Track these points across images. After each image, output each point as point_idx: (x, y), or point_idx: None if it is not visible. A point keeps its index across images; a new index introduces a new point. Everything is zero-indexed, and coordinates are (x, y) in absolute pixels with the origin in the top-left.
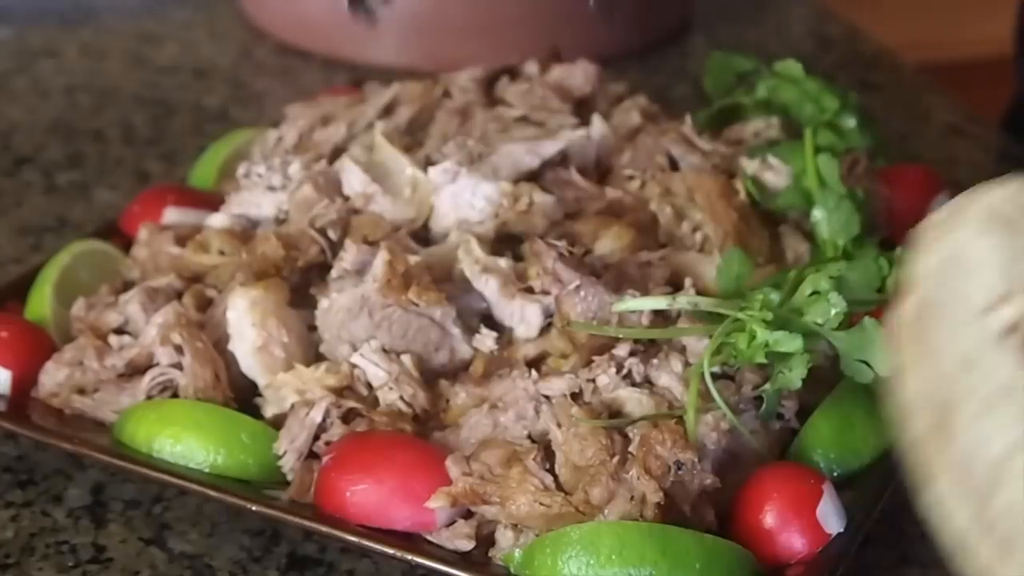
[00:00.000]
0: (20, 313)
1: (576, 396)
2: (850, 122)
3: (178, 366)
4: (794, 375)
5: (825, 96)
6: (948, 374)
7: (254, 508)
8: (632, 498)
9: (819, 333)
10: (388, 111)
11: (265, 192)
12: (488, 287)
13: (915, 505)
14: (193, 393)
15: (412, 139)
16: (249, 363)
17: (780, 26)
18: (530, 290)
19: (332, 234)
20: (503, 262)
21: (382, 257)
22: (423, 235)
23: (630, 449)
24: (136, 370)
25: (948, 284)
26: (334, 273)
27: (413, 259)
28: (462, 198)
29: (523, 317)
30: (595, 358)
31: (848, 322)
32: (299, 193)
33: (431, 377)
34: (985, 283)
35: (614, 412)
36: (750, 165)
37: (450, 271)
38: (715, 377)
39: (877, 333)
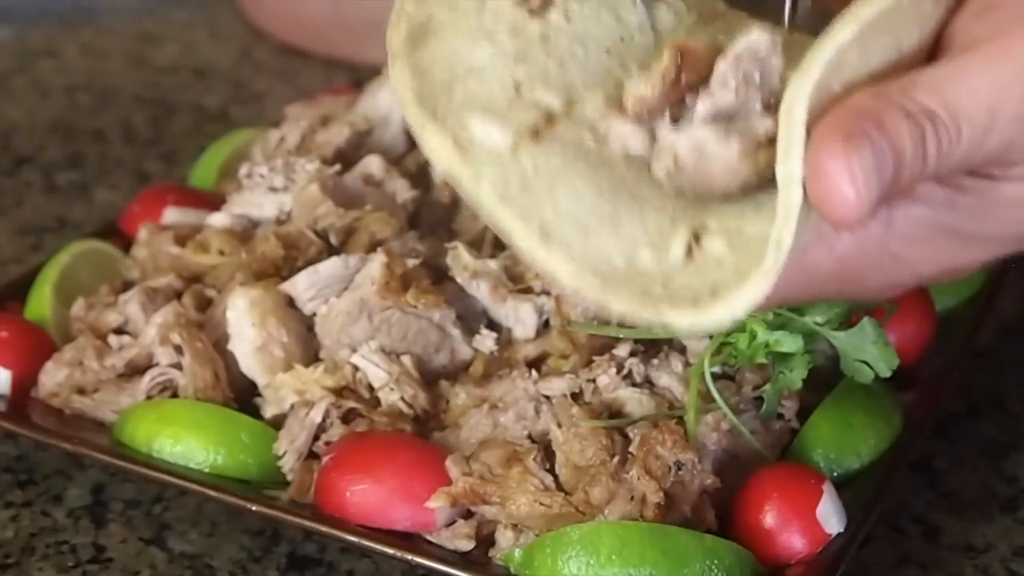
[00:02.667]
0: (20, 313)
1: (576, 396)
2: None
3: (178, 366)
4: (795, 375)
5: None
6: (438, 11)
7: (254, 508)
8: (632, 498)
9: (819, 333)
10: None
11: (267, 193)
12: (480, 291)
13: (915, 505)
14: (193, 393)
15: (412, 141)
16: (249, 363)
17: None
18: (527, 290)
19: (333, 239)
20: (493, 264)
21: (379, 260)
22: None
23: (630, 449)
24: (136, 370)
25: None
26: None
27: (412, 262)
28: None
29: (518, 317)
30: (595, 358)
31: (848, 322)
32: (305, 192)
33: (431, 378)
34: None
35: (614, 412)
36: None
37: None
38: (715, 377)
39: (877, 333)
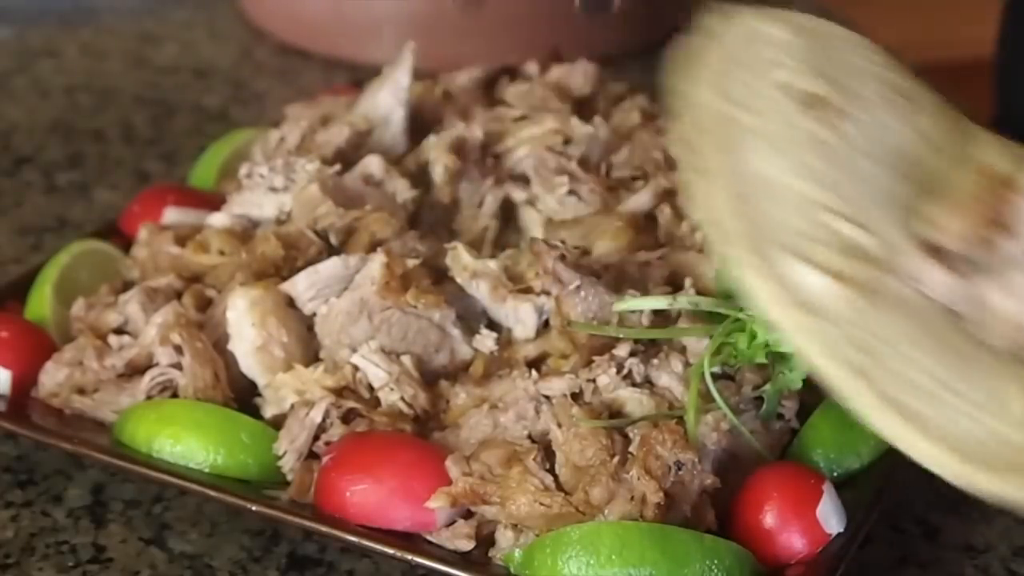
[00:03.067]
0: (20, 313)
1: (576, 396)
2: None
3: (178, 366)
4: (795, 375)
5: None
6: (730, 109)
7: (254, 508)
8: (632, 498)
9: None
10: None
11: (267, 193)
12: (480, 291)
13: (915, 505)
14: (193, 393)
15: (413, 141)
16: (249, 363)
17: None
18: (527, 290)
19: (333, 239)
20: (493, 264)
21: (379, 260)
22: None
23: (630, 449)
24: (136, 370)
25: (748, 48)
26: None
27: (412, 262)
28: None
29: (518, 317)
30: (595, 358)
31: None
32: (305, 192)
33: (431, 378)
34: (785, 56)
35: (614, 412)
36: None
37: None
38: (715, 377)
39: None
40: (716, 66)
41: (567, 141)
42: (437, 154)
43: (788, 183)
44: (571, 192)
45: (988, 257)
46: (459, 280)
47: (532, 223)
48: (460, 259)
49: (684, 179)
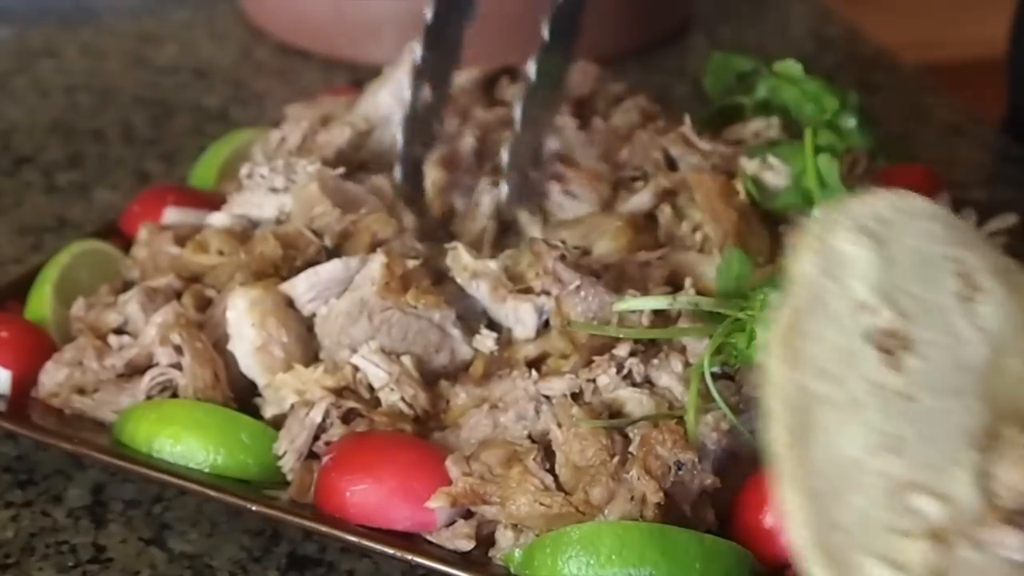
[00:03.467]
0: (20, 313)
1: (576, 396)
2: (850, 122)
3: (177, 366)
4: None
5: (825, 96)
6: (810, 382)
7: (254, 508)
8: (632, 498)
9: None
10: None
11: (267, 193)
12: (480, 291)
13: None
14: (193, 393)
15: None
16: (248, 363)
17: (780, 26)
18: (527, 290)
19: (328, 241)
20: (493, 264)
21: (379, 260)
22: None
23: (630, 449)
24: (136, 370)
25: (822, 291)
26: None
27: (412, 263)
28: None
29: (518, 317)
30: (595, 358)
31: None
32: (305, 190)
33: (431, 378)
34: (858, 289)
35: (614, 412)
36: (750, 165)
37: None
38: (715, 377)
39: None
40: (792, 326)
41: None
42: (427, 169)
43: (859, 459)
44: (566, 192)
45: None
46: (459, 280)
47: (529, 223)
48: (460, 259)
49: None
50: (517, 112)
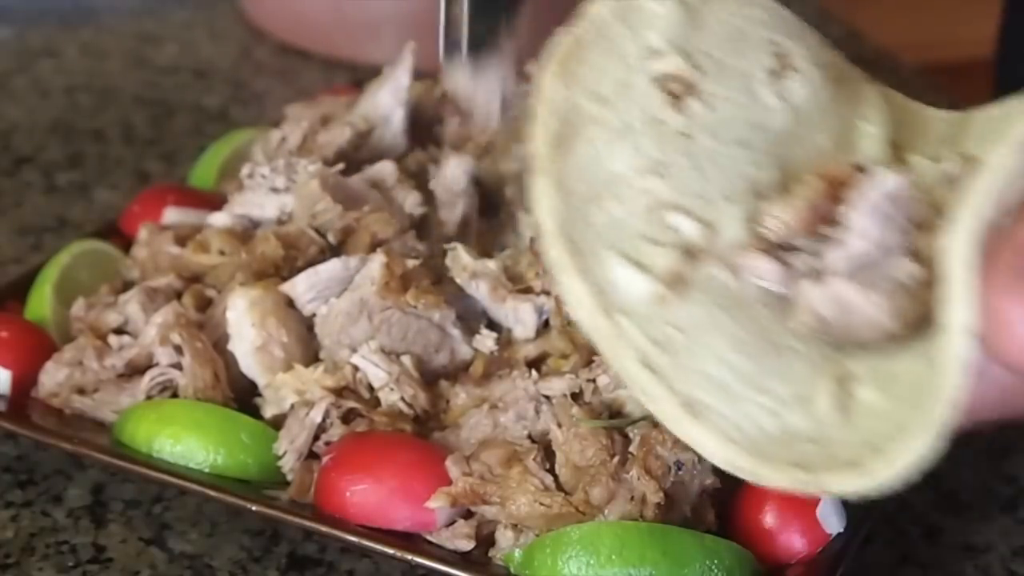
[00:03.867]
0: (20, 313)
1: (576, 396)
2: None
3: (178, 366)
4: None
5: None
6: (582, 101)
7: (254, 508)
8: (632, 498)
9: None
10: None
11: (268, 193)
12: (479, 291)
13: (915, 505)
14: (193, 393)
15: (413, 141)
16: (249, 363)
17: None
18: (527, 290)
19: (331, 237)
20: (492, 264)
21: (379, 260)
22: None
23: (630, 449)
24: (136, 370)
25: (611, 29)
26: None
27: (412, 263)
28: None
29: (518, 317)
30: (595, 358)
31: None
32: (305, 188)
33: (431, 378)
34: (652, 39)
35: (614, 412)
36: None
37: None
38: None
39: None
40: (572, 53)
41: None
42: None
43: (625, 176)
44: None
45: (815, 252)
46: (459, 280)
47: (525, 223)
48: (460, 259)
49: (530, 179)
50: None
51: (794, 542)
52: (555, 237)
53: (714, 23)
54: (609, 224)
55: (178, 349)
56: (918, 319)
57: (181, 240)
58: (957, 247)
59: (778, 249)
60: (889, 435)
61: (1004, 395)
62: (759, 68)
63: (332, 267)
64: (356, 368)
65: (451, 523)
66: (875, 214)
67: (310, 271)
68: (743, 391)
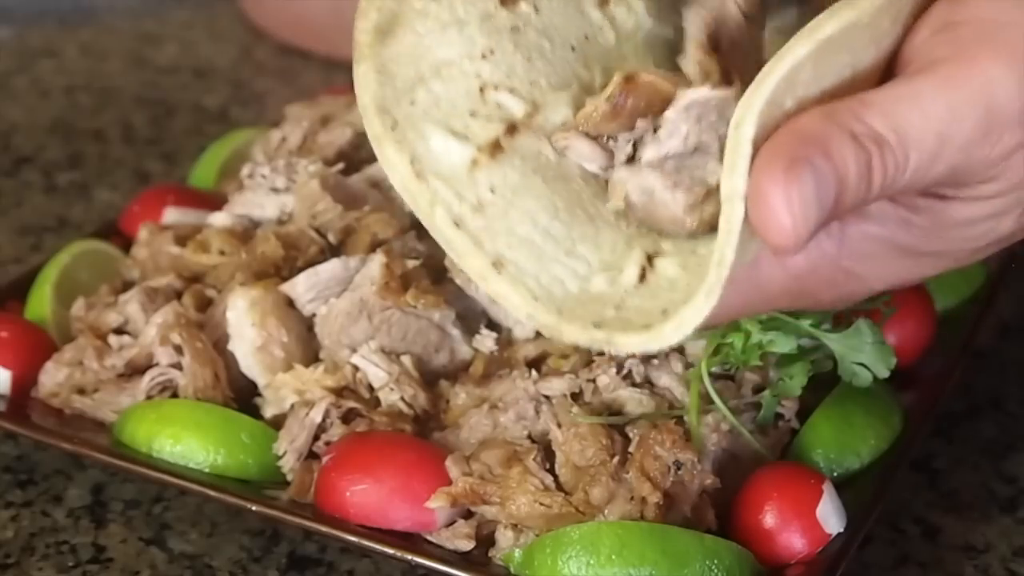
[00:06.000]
0: (20, 313)
1: (576, 396)
2: None
3: (178, 366)
4: (794, 383)
5: None
6: None
7: (254, 508)
8: (632, 498)
9: (815, 335)
10: None
11: (268, 193)
12: (479, 292)
13: (915, 505)
14: (193, 393)
15: None
16: (249, 363)
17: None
18: None
19: (332, 237)
20: None
21: (379, 260)
22: None
23: (630, 449)
24: (136, 370)
25: None
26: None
27: (412, 263)
28: None
29: (517, 317)
30: (595, 358)
31: (841, 321)
32: (306, 187)
33: (431, 378)
34: None
35: (614, 412)
36: None
37: None
38: (715, 377)
39: (873, 333)
40: None
41: None
42: None
43: (453, 60)
44: None
45: (637, 143)
46: (458, 280)
47: None
48: None
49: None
50: None
51: (794, 542)
52: (372, 113)
53: None
54: (433, 102)
55: (178, 349)
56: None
57: (181, 240)
58: (741, 120)
59: (600, 135)
60: (679, 301)
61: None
62: None
63: (332, 267)
64: (356, 368)
65: (451, 523)
66: (689, 116)
67: (310, 271)
68: (553, 252)
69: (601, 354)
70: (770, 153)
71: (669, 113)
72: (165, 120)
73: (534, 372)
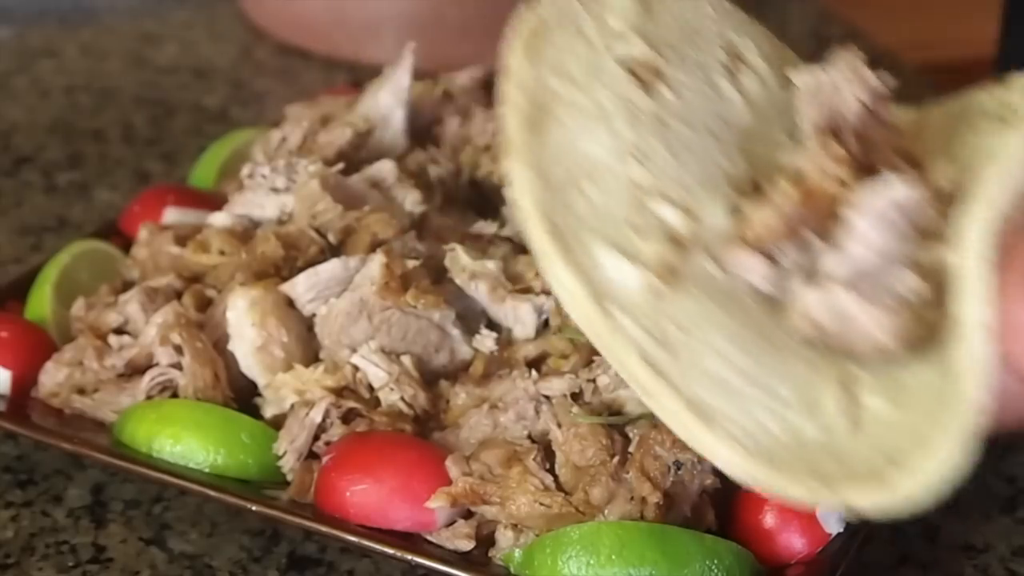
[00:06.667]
0: (20, 313)
1: (576, 396)
2: None
3: (178, 366)
4: None
5: None
6: (552, 82)
7: (254, 508)
8: (632, 498)
9: None
10: None
11: (269, 193)
12: (479, 292)
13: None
14: (193, 393)
15: (413, 140)
16: (249, 363)
17: (780, 26)
18: (526, 290)
19: (332, 237)
20: (491, 264)
21: (379, 260)
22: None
23: (630, 449)
24: (136, 370)
25: (573, 10)
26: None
27: (412, 263)
28: None
29: (517, 317)
30: (595, 358)
31: None
32: (306, 188)
33: (431, 378)
34: (613, 23)
35: (615, 412)
36: None
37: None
38: None
39: None
40: (538, 33)
41: None
42: None
43: (603, 160)
44: None
45: (803, 253)
46: (458, 281)
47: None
48: (459, 260)
49: (505, 163)
50: None
51: (794, 542)
52: (537, 222)
53: (666, 15)
54: (591, 210)
55: (178, 349)
56: (918, 339)
57: (181, 240)
58: (972, 240)
59: (766, 247)
60: (908, 447)
61: (1009, 403)
62: (714, 60)
63: (331, 267)
64: (356, 368)
65: (451, 523)
66: (880, 221)
67: (310, 271)
68: (751, 393)
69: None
70: (1022, 276)
71: (854, 218)
72: (165, 120)
73: (534, 372)
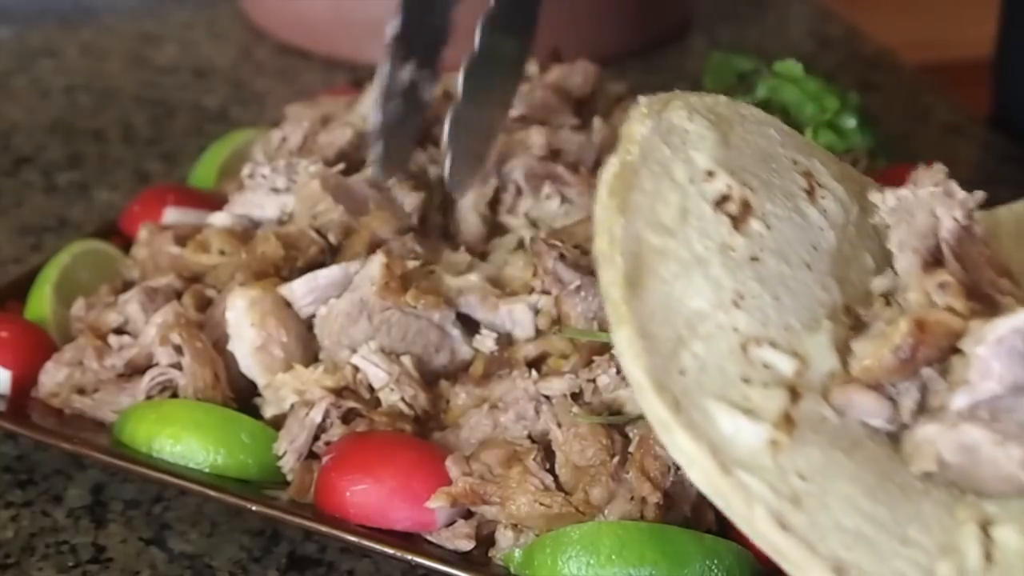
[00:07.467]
0: (20, 313)
1: (576, 396)
2: (850, 122)
3: (178, 366)
4: None
5: (825, 96)
6: (646, 233)
7: (254, 508)
8: (632, 498)
9: None
10: None
11: (269, 193)
12: (471, 306)
13: None
14: (193, 393)
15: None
16: (248, 363)
17: (780, 26)
18: (515, 292)
19: (332, 237)
20: (474, 277)
21: (379, 260)
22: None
23: (630, 449)
24: (136, 370)
25: (657, 152)
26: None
27: (411, 263)
28: None
29: (514, 320)
30: (595, 358)
31: None
32: (307, 187)
33: (431, 378)
34: (698, 160)
35: (614, 412)
36: None
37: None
38: None
39: None
40: (625, 179)
41: (557, 153)
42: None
43: (706, 312)
44: (562, 200)
45: (918, 386)
46: (452, 297)
47: (517, 228)
48: (443, 281)
49: (613, 329)
50: (459, 82)
51: None
52: (653, 394)
53: (741, 143)
54: (701, 369)
55: (178, 349)
56: None
57: (181, 240)
58: None
59: (879, 384)
60: None
61: None
62: (794, 185)
63: (331, 273)
64: (356, 368)
65: (451, 523)
66: (1000, 351)
67: (309, 276)
68: (888, 544)
69: (600, 354)
70: None
71: (977, 350)
72: (165, 120)
73: (534, 372)
